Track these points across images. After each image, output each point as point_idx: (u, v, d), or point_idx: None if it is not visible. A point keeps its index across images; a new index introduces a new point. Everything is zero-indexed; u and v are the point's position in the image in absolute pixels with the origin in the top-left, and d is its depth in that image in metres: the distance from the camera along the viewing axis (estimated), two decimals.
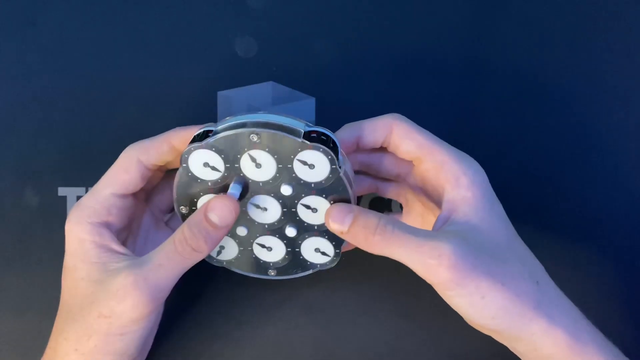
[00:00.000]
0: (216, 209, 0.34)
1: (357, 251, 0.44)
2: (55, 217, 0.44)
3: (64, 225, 0.42)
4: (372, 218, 0.34)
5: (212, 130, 0.35)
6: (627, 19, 0.47)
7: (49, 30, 0.46)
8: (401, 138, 0.36)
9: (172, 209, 0.42)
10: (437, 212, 0.38)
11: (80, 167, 0.44)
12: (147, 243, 0.40)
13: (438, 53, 0.46)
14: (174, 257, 0.35)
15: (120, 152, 0.38)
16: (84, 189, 0.44)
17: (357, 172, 0.40)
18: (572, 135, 0.46)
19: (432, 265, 0.33)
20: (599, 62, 0.46)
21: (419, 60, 0.46)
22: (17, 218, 0.44)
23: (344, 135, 0.37)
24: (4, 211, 0.44)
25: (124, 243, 0.38)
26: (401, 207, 0.43)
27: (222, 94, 0.45)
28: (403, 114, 0.38)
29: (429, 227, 0.38)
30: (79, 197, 0.44)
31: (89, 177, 0.42)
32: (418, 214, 0.41)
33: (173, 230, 0.41)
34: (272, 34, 0.46)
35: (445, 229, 0.35)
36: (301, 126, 0.35)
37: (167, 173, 0.41)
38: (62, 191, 0.44)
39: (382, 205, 0.44)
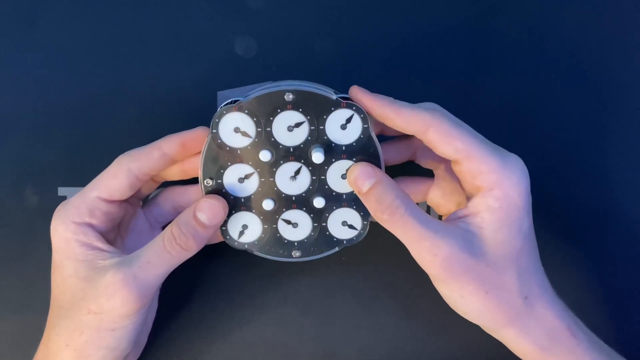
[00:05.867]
0: (205, 209, 0.36)
1: (357, 251, 0.44)
2: None
3: None
4: (388, 194, 0.35)
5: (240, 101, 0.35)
6: (629, 17, 0.47)
7: (49, 30, 0.46)
8: (437, 141, 0.35)
9: (168, 223, 0.42)
10: (464, 199, 0.38)
11: (80, 167, 0.44)
12: (138, 246, 0.40)
13: (439, 53, 0.46)
14: (162, 254, 0.35)
15: (120, 152, 0.38)
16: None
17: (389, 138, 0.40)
18: (572, 133, 0.46)
19: (427, 260, 0.34)
20: (599, 58, 0.46)
21: (420, 61, 0.46)
22: (17, 218, 0.44)
23: (377, 104, 0.35)
24: (4, 211, 0.44)
25: (112, 243, 0.38)
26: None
27: (222, 94, 0.45)
28: None
29: (454, 203, 0.39)
30: None
31: (89, 177, 0.42)
32: (448, 189, 0.40)
33: None
34: (272, 34, 0.46)
35: (458, 223, 0.35)
36: (331, 92, 0.36)
37: (164, 187, 0.41)
38: (62, 191, 0.44)
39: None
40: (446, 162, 0.40)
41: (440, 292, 0.36)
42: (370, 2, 0.47)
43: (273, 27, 0.46)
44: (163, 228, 0.42)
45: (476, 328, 0.39)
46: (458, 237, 0.34)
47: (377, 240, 0.44)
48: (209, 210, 0.36)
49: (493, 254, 0.35)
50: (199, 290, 0.44)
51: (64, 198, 0.44)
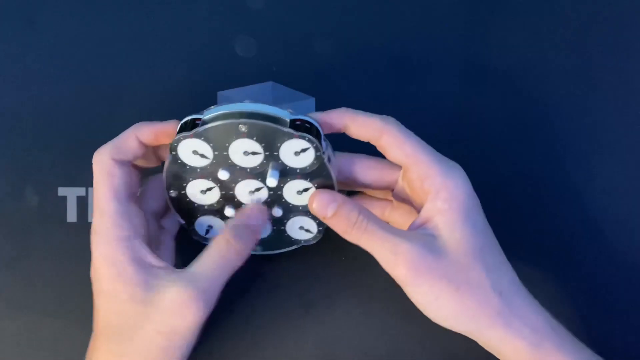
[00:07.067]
0: (254, 218, 0.38)
1: (357, 251, 0.44)
2: (55, 217, 0.44)
3: (64, 225, 0.43)
4: (353, 211, 0.36)
5: (199, 119, 0.36)
6: (627, 19, 0.47)
7: (48, 30, 0.46)
8: (390, 145, 0.38)
9: (163, 214, 0.42)
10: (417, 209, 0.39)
11: (80, 167, 0.44)
12: (158, 247, 0.40)
13: (438, 53, 0.46)
14: (222, 264, 0.36)
15: None
16: (84, 189, 0.44)
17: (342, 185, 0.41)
18: (570, 136, 0.46)
19: (391, 260, 0.35)
20: (598, 61, 0.46)
21: (419, 60, 0.46)
22: (17, 218, 0.44)
23: (334, 117, 0.38)
24: (4, 211, 0.44)
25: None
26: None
27: (222, 94, 0.45)
28: (402, 114, 0.38)
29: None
30: (79, 197, 0.44)
31: (89, 177, 0.42)
32: (405, 212, 0.41)
33: (168, 230, 0.41)
34: (272, 34, 0.46)
35: (416, 231, 0.37)
36: (286, 115, 0.36)
37: (149, 178, 0.41)
38: (62, 191, 0.44)
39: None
40: (393, 188, 0.41)
41: (415, 302, 0.36)
42: (370, 2, 0.47)
43: (273, 27, 0.46)
44: (159, 224, 0.41)
45: None
46: (418, 240, 0.36)
47: None
48: (256, 217, 0.38)
49: (455, 252, 0.36)
50: None
51: (64, 198, 0.44)
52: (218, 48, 0.46)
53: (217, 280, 0.36)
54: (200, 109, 0.37)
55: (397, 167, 0.40)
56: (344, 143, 0.39)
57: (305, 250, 0.42)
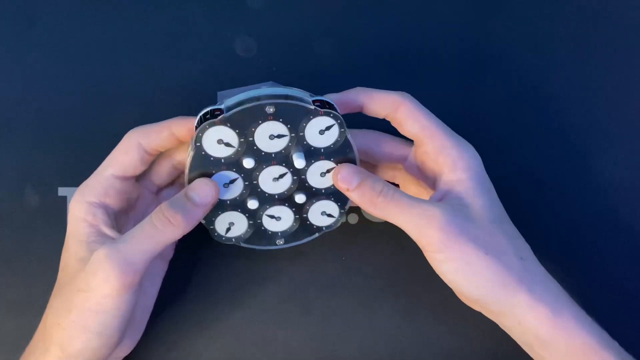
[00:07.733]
0: (196, 188, 0.36)
1: (357, 251, 0.44)
2: (55, 217, 0.44)
3: (64, 225, 0.43)
4: (378, 182, 0.37)
5: (219, 109, 0.36)
6: (627, 19, 0.47)
7: (49, 30, 0.46)
8: (406, 118, 0.38)
9: (166, 185, 0.42)
10: (431, 193, 0.39)
11: (80, 167, 0.44)
12: None
13: (438, 53, 0.46)
14: (148, 229, 0.35)
15: None
16: None
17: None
18: (572, 135, 0.46)
19: (423, 225, 0.35)
20: (599, 61, 0.46)
21: (420, 60, 0.46)
22: (17, 218, 0.44)
23: (351, 96, 0.39)
24: (4, 211, 0.44)
25: (121, 228, 0.38)
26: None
27: (222, 94, 0.45)
28: None
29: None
30: None
31: (88, 177, 0.42)
32: (412, 189, 0.42)
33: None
34: (272, 34, 0.46)
35: (442, 201, 0.37)
36: (307, 95, 0.37)
37: (158, 157, 0.41)
38: (62, 191, 0.44)
39: None
40: (403, 163, 0.41)
41: (444, 271, 0.36)
42: (370, 2, 0.47)
43: (273, 27, 0.46)
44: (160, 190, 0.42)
45: (476, 327, 0.39)
46: (447, 206, 0.36)
47: (377, 241, 0.44)
48: (201, 188, 0.36)
49: (480, 219, 0.36)
50: (199, 289, 0.44)
51: (64, 198, 0.44)
52: (218, 48, 0.46)
53: (139, 244, 0.35)
54: (200, 109, 0.37)
55: (408, 143, 0.40)
56: (351, 124, 0.39)
57: (305, 250, 0.42)
